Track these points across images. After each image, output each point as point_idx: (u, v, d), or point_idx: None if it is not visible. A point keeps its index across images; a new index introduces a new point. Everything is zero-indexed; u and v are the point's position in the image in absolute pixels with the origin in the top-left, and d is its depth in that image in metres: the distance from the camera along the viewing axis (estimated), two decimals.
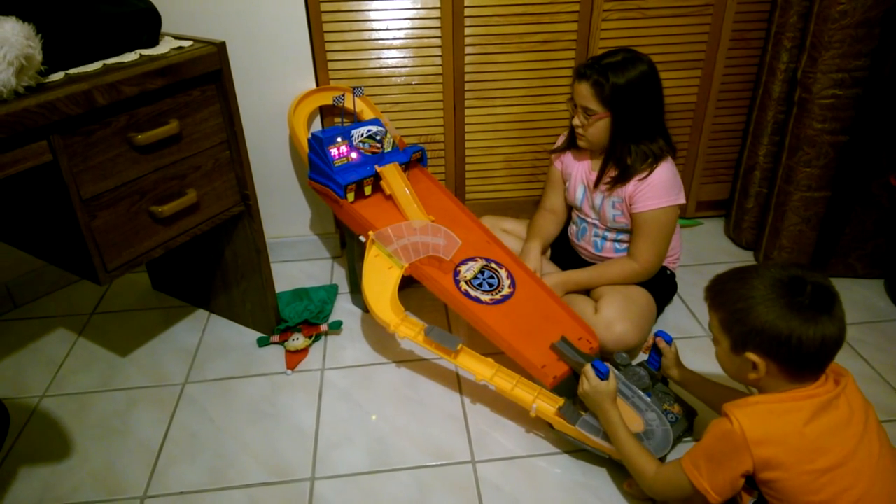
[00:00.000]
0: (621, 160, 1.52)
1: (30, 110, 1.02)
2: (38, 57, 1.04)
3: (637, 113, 1.48)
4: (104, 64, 1.19)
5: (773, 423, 0.98)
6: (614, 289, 1.58)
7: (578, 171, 1.66)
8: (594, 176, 1.60)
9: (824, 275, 1.01)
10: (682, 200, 1.54)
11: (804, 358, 0.98)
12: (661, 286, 1.64)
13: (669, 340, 1.34)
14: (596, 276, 1.61)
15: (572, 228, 1.75)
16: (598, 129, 1.52)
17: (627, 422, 1.21)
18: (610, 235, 1.64)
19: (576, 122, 1.55)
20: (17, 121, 1.01)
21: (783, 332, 0.96)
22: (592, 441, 1.25)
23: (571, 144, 1.65)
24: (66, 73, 1.14)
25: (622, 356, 1.37)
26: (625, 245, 1.63)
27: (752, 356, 1.01)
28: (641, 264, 1.56)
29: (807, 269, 1.01)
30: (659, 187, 1.50)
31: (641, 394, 1.30)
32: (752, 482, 1.02)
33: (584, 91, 1.49)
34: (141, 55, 1.25)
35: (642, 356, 1.44)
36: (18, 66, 1.00)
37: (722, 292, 1.06)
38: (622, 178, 1.53)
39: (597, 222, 1.65)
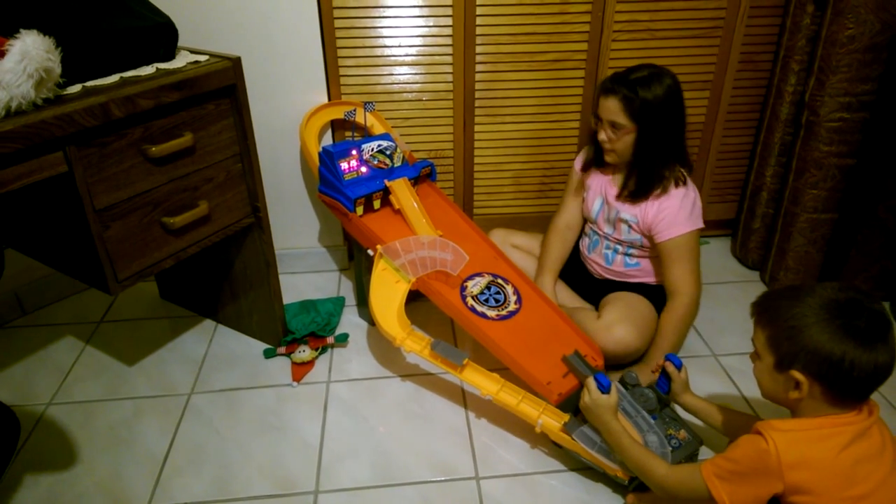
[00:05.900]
0: (643, 177, 1.55)
1: (47, 122, 1.04)
2: (58, 69, 1.06)
3: (662, 127, 1.51)
4: (121, 77, 1.21)
5: (809, 447, 0.96)
6: (616, 297, 1.61)
7: (598, 184, 1.67)
8: (614, 190, 1.62)
9: (879, 301, 0.99)
10: (702, 224, 1.56)
11: (852, 383, 0.95)
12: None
13: (679, 365, 1.32)
14: (658, 344, 1.55)
15: (584, 241, 1.76)
16: (625, 143, 1.54)
17: None
18: (621, 248, 1.65)
19: (602, 136, 1.56)
20: (35, 132, 1.03)
21: (836, 354, 0.94)
22: (595, 458, 1.25)
23: (599, 163, 1.66)
24: (84, 86, 1.16)
25: (631, 376, 1.36)
26: (636, 259, 1.65)
27: (797, 374, 0.98)
28: (686, 292, 1.54)
29: (863, 293, 0.98)
30: (679, 215, 1.53)
31: (646, 415, 1.29)
32: (773, 499, 0.99)
33: (613, 106, 1.51)
34: (157, 69, 1.27)
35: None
36: (38, 79, 1.02)
37: (773, 308, 1.03)
38: (640, 194, 1.55)
39: (609, 235, 1.66)
